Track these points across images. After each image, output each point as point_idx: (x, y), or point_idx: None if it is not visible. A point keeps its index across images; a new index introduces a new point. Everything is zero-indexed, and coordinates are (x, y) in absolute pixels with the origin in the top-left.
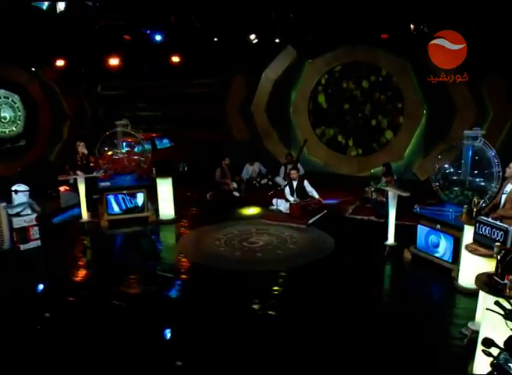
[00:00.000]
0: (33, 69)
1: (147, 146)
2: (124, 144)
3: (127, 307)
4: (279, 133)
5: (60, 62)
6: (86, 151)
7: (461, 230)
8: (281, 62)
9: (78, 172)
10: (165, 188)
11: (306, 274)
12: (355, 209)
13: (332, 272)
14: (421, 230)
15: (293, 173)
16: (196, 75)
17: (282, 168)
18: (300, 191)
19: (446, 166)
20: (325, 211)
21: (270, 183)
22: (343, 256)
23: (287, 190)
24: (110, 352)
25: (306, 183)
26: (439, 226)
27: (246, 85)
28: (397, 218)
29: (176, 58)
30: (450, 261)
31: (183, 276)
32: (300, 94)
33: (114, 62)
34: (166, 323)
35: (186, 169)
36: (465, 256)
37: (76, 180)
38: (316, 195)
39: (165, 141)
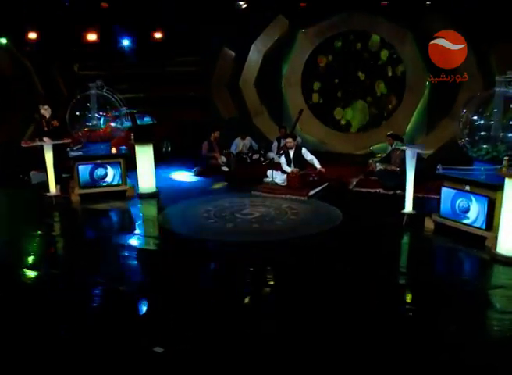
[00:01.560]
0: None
1: (127, 123)
2: (102, 118)
3: (106, 286)
4: (269, 110)
5: (32, 35)
6: (48, 115)
7: (497, 189)
8: (271, 33)
9: (44, 138)
10: (144, 157)
11: (312, 245)
12: (359, 182)
13: (343, 243)
14: (446, 193)
15: (289, 141)
16: (180, 52)
17: (275, 142)
18: (298, 161)
19: (475, 117)
20: (327, 183)
21: (262, 159)
22: (354, 227)
23: (283, 160)
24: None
25: (304, 150)
26: (468, 188)
27: (233, 59)
28: (399, 189)
29: (158, 35)
30: (484, 227)
31: (167, 249)
32: (293, 67)
33: (91, 37)
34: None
35: (169, 149)
36: (507, 219)
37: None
38: (317, 164)
39: (147, 118)
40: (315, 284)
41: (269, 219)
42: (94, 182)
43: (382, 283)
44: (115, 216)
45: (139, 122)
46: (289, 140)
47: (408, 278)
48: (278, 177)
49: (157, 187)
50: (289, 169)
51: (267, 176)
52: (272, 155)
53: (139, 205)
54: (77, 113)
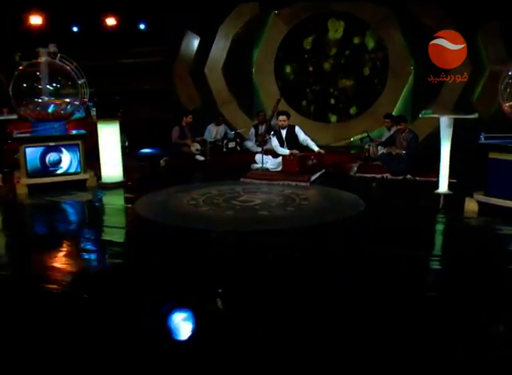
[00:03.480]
0: None
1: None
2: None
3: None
4: (238, 99)
5: None
6: None
7: None
8: (240, 15)
9: None
10: (109, 137)
11: (345, 230)
12: (360, 168)
13: (376, 229)
14: (494, 166)
15: (283, 119)
16: (137, 41)
17: (252, 130)
18: (292, 142)
19: None
20: (324, 170)
21: (238, 148)
22: (384, 212)
23: (275, 142)
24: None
25: (298, 129)
26: None
27: (198, 44)
28: (421, 174)
29: (111, 21)
30: None
31: (157, 243)
32: (265, 53)
33: (36, 20)
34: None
35: (126, 143)
36: None
37: None
38: (314, 146)
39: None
40: (358, 271)
41: (276, 206)
42: (46, 169)
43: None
44: (77, 211)
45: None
46: (282, 117)
47: (455, 267)
48: (269, 162)
49: (124, 177)
50: (286, 151)
51: (255, 162)
52: (249, 144)
53: (104, 197)
54: (23, 85)
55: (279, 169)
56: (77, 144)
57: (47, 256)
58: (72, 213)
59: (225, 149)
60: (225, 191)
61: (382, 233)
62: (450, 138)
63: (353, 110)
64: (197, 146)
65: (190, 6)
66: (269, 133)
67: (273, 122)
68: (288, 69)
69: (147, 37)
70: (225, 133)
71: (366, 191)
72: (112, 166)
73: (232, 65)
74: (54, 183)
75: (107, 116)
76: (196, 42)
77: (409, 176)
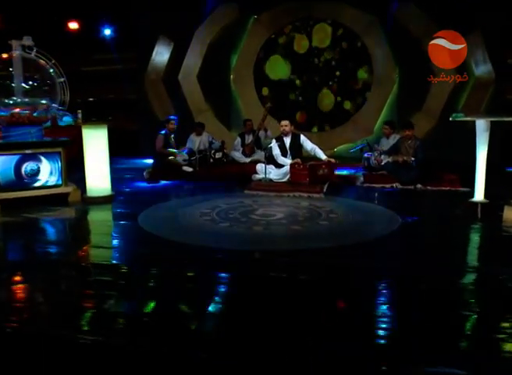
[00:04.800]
0: None
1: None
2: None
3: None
4: (215, 108)
5: None
6: None
7: None
8: (218, 19)
9: None
10: (96, 145)
11: (392, 247)
12: (366, 177)
13: (428, 244)
14: None
15: (285, 125)
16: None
17: (238, 139)
18: (296, 152)
19: None
20: (328, 181)
21: (224, 159)
22: (425, 225)
23: (276, 150)
24: None
25: (303, 138)
26: None
27: (171, 50)
28: (430, 183)
29: (74, 25)
30: None
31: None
32: (244, 58)
33: None
34: None
35: None
36: None
37: None
38: (323, 155)
39: (67, 117)
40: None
41: (305, 220)
42: (22, 182)
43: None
44: (59, 231)
45: (59, 121)
46: (284, 123)
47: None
48: (272, 172)
49: (113, 189)
50: (288, 161)
51: (256, 173)
52: (236, 154)
53: (92, 213)
54: None
55: (285, 179)
56: (58, 153)
57: (19, 286)
58: (52, 233)
59: (211, 160)
60: (236, 204)
61: (436, 248)
62: (487, 143)
63: (337, 118)
64: (185, 156)
65: (163, 9)
66: (256, 145)
67: (261, 133)
68: (269, 76)
69: (116, 42)
70: (211, 143)
71: (389, 202)
72: (98, 178)
73: (209, 71)
74: (30, 197)
75: (94, 120)
76: (169, 47)
77: (419, 185)
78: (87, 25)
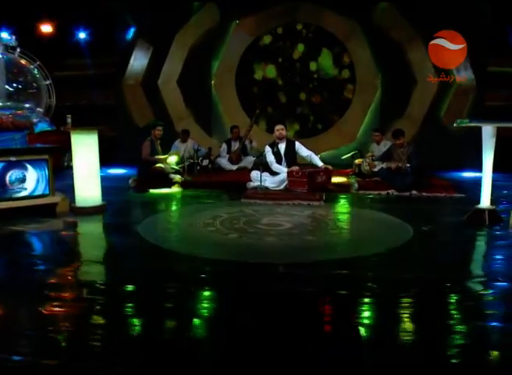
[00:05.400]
0: None
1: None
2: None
3: None
4: (196, 114)
5: None
6: None
7: None
8: (199, 23)
9: None
10: (85, 152)
11: (417, 257)
12: (361, 184)
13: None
14: None
15: (281, 129)
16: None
17: (224, 146)
18: (291, 158)
19: None
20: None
21: (210, 166)
22: (439, 234)
23: (271, 157)
24: None
25: (298, 145)
26: None
27: (151, 55)
28: (424, 189)
29: (45, 28)
30: None
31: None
32: (225, 64)
33: None
34: None
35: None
36: None
37: None
38: (319, 161)
39: (43, 124)
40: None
41: (315, 229)
42: (6, 191)
43: None
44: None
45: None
46: (280, 126)
47: None
48: (267, 180)
49: (104, 199)
50: (284, 169)
51: (251, 181)
52: (223, 161)
53: (84, 225)
54: None
55: (281, 187)
56: (45, 160)
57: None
58: (41, 247)
59: (198, 167)
60: (237, 214)
61: (456, 257)
62: (493, 149)
63: (320, 125)
64: (172, 163)
65: (142, 13)
66: (243, 152)
67: (246, 142)
68: (251, 81)
69: (92, 46)
70: (197, 150)
71: (392, 210)
72: (88, 187)
73: (189, 77)
74: (15, 208)
75: (84, 125)
76: (148, 52)
77: (414, 191)
78: (61, 28)
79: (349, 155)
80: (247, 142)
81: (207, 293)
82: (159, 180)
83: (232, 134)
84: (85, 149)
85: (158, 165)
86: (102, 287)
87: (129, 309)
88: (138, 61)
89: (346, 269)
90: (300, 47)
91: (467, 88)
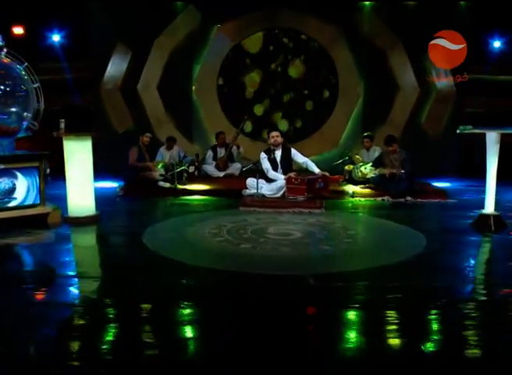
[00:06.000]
0: None
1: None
2: None
3: None
4: (176, 120)
5: None
6: None
7: None
8: (180, 27)
9: None
10: (80, 158)
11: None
12: (355, 191)
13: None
14: None
15: (276, 136)
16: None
17: (210, 153)
18: (287, 165)
19: None
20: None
21: (196, 173)
22: (453, 242)
23: (266, 164)
24: None
25: (294, 151)
26: None
27: (130, 59)
28: (418, 195)
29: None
30: None
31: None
32: (206, 68)
33: None
34: None
35: (48, 171)
36: None
37: None
38: (315, 168)
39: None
40: None
41: (327, 238)
42: None
43: None
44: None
45: None
46: (275, 133)
47: None
48: (264, 187)
49: (98, 209)
50: (281, 176)
51: (246, 188)
52: (209, 168)
53: (79, 236)
54: None
55: (278, 195)
56: (36, 167)
57: None
58: (33, 261)
59: (185, 174)
60: (241, 223)
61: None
62: (497, 155)
63: (302, 131)
64: (161, 171)
65: (120, 16)
66: (230, 159)
67: (233, 149)
68: (233, 86)
69: (68, 49)
70: (184, 156)
71: (394, 216)
72: (82, 195)
73: (170, 81)
74: (4, 219)
75: (78, 130)
76: (127, 56)
77: (409, 198)
78: (34, 30)
79: (340, 161)
80: (234, 148)
81: (248, 308)
82: (148, 187)
83: (217, 141)
84: (79, 156)
85: (147, 172)
86: (117, 306)
87: (186, 329)
88: (116, 65)
89: (376, 279)
90: (282, 52)
91: (447, 94)
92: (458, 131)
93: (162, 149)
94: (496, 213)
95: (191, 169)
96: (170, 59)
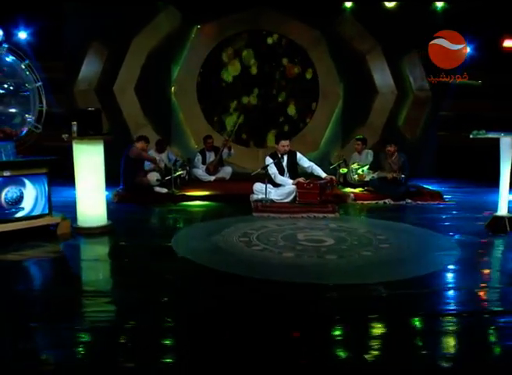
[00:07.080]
0: None
1: None
2: None
3: None
4: (154, 122)
5: None
6: None
7: None
8: (160, 26)
9: None
10: (90, 163)
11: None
12: (356, 195)
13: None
14: None
15: (286, 144)
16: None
17: (199, 156)
18: (293, 170)
19: None
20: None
21: (187, 177)
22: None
23: (273, 169)
24: None
25: (300, 156)
26: None
27: (106, 59)
28: (417, 197)
29: None
30: None
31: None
32: (186, 70)
33: None
34: None
35: None
36: None
37: None
38: (321, 172)
39: None
40: None
41: (362, 244)
42: (1, 212)
43: None
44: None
45: None
46: (285, 142)
47: None
48: (272, 192)
49: (109, 219)
50: (289, 181)
51: (253, 193)
52: (199, 172)
53: (94, 249)
54: None
55: (288, 199)
56: (44, 174)
57: None
58: (40, 278)
59: (179, 179)
60: (264, 229)
61: None
62: (511, 160)
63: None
64: (157, 176)
65: (96, 13)
66: (220, 163)
67: (225, 151)
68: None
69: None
70: (176, 160)
71: (407, 219)
72: (93, 204)
73: (148, 83)
74: (11, 232)
75: (89, 132)
76: (103, 56)
77: (409, 200)
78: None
79: (336, 164)
80: (225, 151)
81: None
82: (144, 193)
83: (205, 145)
84: (89, 161)
85: (143, 178)
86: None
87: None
88: (91, 65)
89: (435, 284)
90: (263, 54)
91: (424, 98)
92: (471, 136)
93: (153, 152)
94: (509, 215)
95: (182, 173)
96: (148, 60)
